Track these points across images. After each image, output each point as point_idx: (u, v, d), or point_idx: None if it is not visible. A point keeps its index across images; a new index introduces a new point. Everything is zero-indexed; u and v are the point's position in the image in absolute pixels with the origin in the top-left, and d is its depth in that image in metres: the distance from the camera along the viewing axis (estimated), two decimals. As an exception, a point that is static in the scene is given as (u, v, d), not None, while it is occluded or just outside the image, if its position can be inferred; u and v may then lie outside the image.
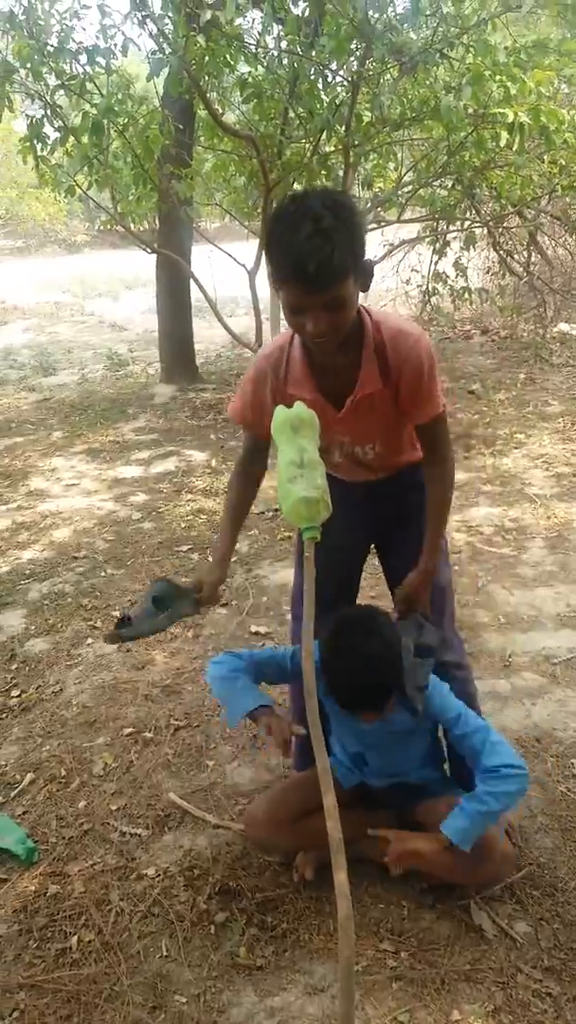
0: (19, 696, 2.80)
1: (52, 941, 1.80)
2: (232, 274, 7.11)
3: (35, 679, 2.90)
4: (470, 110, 4.80)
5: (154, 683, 2.80)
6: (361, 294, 1.56)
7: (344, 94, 5.27)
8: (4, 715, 2.70)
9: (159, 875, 1.97)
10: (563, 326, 8.13)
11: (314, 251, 1.39)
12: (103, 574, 3.70)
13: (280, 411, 1.47)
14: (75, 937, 1.80)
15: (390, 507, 1.94)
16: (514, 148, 4.84)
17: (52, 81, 5.08)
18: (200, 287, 6.37)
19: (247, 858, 1.97)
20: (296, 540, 1.99)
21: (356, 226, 1.48)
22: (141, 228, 7.51)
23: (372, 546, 2.12)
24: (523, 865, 1.90)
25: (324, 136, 5.44)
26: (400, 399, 1.67)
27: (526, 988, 1.62)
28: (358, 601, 2.19)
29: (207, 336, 9.20)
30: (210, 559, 1.88)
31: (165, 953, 1.75)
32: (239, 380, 2.06)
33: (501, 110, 4.57)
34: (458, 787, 1.93)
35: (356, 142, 5.36)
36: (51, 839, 2.13)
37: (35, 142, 5.32)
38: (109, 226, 6.64)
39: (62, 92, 5.24)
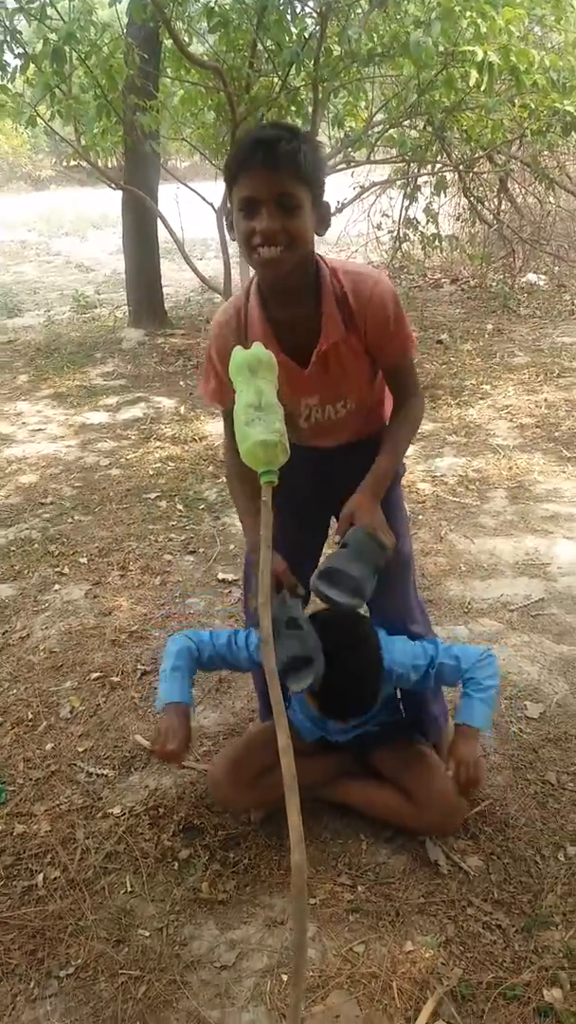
0: (-16, 642, 2.80)
1: (18, 879, 1.84)
2: (201, 214, 6.92)
3: (1, 624, 2.90)
4: (440, 48, 4.66)
5: (121, 628, 2.82)
6: (323, 241, 1.53)
7: (313, 26, 5.09)
8: (-31, 661, 2.71)
9: (124, 814, 2.02)
10: (531, 276, 8.10)
11: (276, 134, 1.41)
12: (70, 520, 3.68)
13: (237, 352, 1.43)
14: (41, 875, 1.84)
15: (351, 472, 1.81)
16: (483, 88, 4.73)
17: (11, 4, 4.82)
18: (167, 227, 6.21)
19: (211, 797, 2.01)
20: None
21: (320, 153, 1.46)
22: (107, 165, 7.26)
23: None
24: (477, 802, 1.98)
25: (293, 70, 5.26)
26: (368, 343, 1.64)
27: (476, 920, 1.70)
28: None
29: (176, 279, 9.02)
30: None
31: (129, 889, 1.81)
32: (208, 326, 1.96)
33: (471, 48, 4.45)
34: (414, 730, 1.99)
35: (325, 77, 5.20)
36: (18, 780, 2.16)
37: (-7, 70, 5.08)
38: (74, 160, 6.38)
39: (21, 16, 4.99)
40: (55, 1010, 1.56)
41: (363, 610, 1.89)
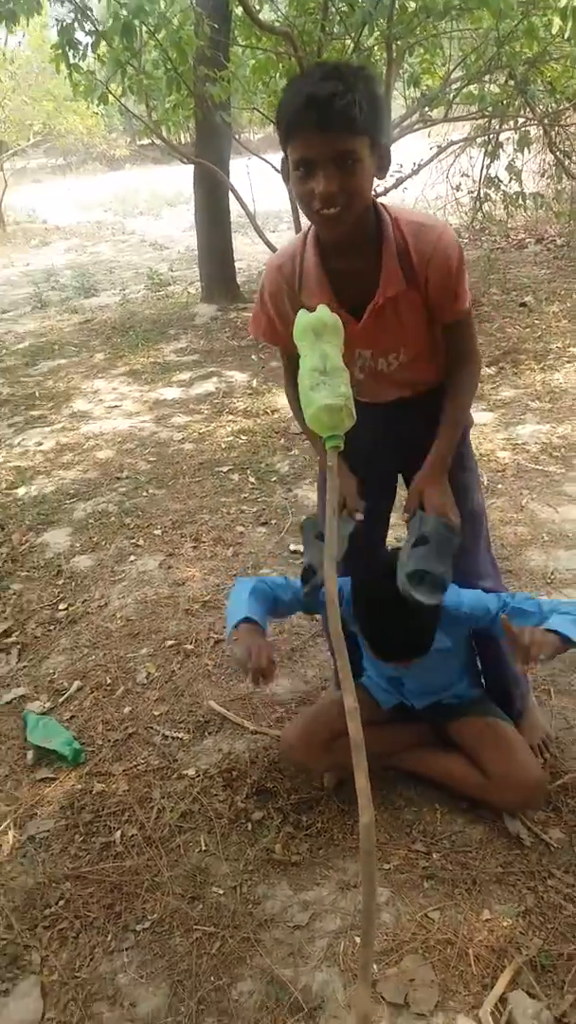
0: (66, 610, 2.88)
1: (97, 836, 1.89)
2: (273, 187, 6.85)
3: (81, 594, 2.97)
4: (521, -5, 4.45)
5: (194, 598, 2.85)
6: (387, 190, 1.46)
7: (388, -18, 4.92)
8: (52, 627, 2.79)
9: (199, 776, 2.04)
10: (622, 232, 7.70)
11: (329, 88, 1.31)
12: (145, 494, 3.73)
13: (302, 315, 1.39)
14: (118, 832, 1.89)
15: (417, 430, 1.78)
16: (567, 36, 4.49)
17: (81, -20, 4.85)
18: (239, 199, 6.17)
19: (284, 760, 2.01)
20: (320, 463, 1.90)
21: (376, 89, 1.38)
22: (180, 141, 7.27)
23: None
24: (560, 774, 1.91)
25: (365, 30, 5.12)
26: (429, 298, 1.57)
27: (557, 891, 1.65)
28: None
29: (248, 253, 9.00)
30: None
31: (204, 848, 1.83)
32: None
33: (554, -8, 4.23)
34: (494, 704, 1.93)
35: (399, 35, 5.04)
36: (97, 742, 2.21)
37: (66, 48, 5.13)
38: (147, 138, 6.41)
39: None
40: (131, 962, 1.60)
41: None
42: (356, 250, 1.52)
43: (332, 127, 1.33)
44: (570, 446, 3.68)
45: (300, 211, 1.52)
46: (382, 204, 1.53)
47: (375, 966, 1.52)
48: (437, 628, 1.69)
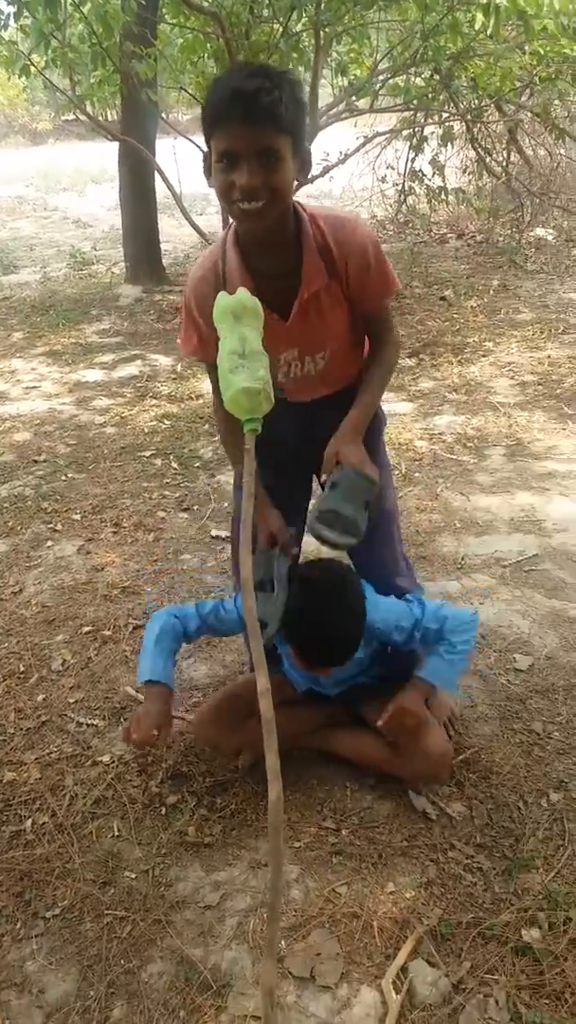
0: (-22, 596, 2.81)
1: (7, 824, 1.87)
2: (200, 168, 6.77)
3: (-6, 580, 2.91)
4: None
5: (113, 584, 2.82)
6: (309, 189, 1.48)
7: (316, -32, 4.92)
8: (-37, 614, 2.72)
9: (113, 762, 2.04)
10: (539, 231, 7.94)
11: (255, 84, 1.32)
12: (64, 478, 3.67)
13: (222, 297, 1.39)
14: (29, 820, 1.87)
15: (331, 426, 1.79)
16: (490, 33, 4.59)
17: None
18: (165, 179, 6.09)
19: (197, 739, 2.03)
20: (236, 472, 1.91)
21: (300, 94, 1.39)
22: (105, 118, 7.10)
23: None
24: (462, 750, 1.99)
25: (294, 16, 5.12)
26: (349, 289, 1.61)
27: (458, 863, 1.72)
28: None
29: (175, 235, 8.88)
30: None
31: (116, 833, 1.83)
32: None
33: (478, -11, 4.31)
34: (403, 682, 1.99)
35: (327, 22, 5.05)
36: (9, 730, 2.18)
37: (-15, 16, 4.94)
38: (71, 113, 6.23)
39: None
40: (41, 949, 1.59)
41: (348, 561, 1.89)
42: (277, 249, 1.54)
43: (257, 121, 1.34)
44: (482, 437, 3.80)
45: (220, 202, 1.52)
46: (298, 203, 1.55)
47: (283, 942, 1.56)
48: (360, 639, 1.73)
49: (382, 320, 1.73)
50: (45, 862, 1.76)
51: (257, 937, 1.58)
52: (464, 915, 1.60)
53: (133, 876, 1.73)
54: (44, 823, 1.86)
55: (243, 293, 1.40)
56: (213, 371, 1.68)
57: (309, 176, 1.55)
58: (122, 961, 1.56)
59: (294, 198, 1.55)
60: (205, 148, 1.46)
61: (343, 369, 1.78)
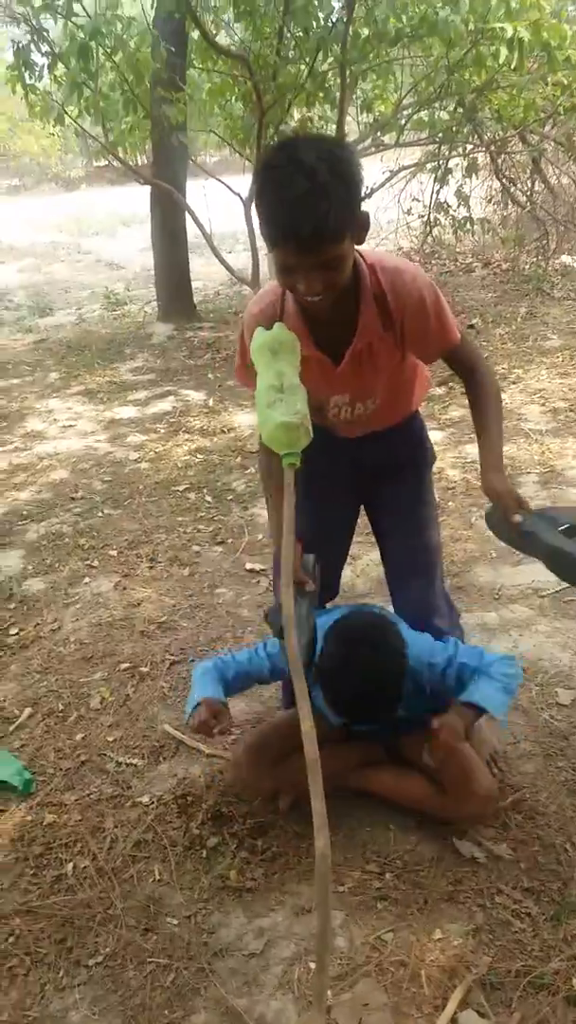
0: (17, 634, 2.84)
1: (48, 868, 1.86)
2: (229, 208, 6.91)
3: (33, 617, 2.93)
4: (469, 26, 4.58)
5: (150, 620, 2.83)
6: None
7: (340, 10, 5.04)
8: (2, 653, 2.74)
9: (153, 803, 2.02)
10: (565, 258, 7.93)
11: (308, 211, 1.30)
12: (100, 514, 3.71)
13: (259, 333, 1.41)
14: (70, 864, 1.86)
15: (379, 459, 1.84)
16: (513, 66, 4.63)
17: (37, 1, 4.85)
18: (195, 220, 6.21)
19: (232, 780, 2.01)
20: (273, 520, 1.91)
21: (353, 178, 1.36)
22: (136, 163, 7.29)
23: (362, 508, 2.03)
24: (509, 791, 1.94)
25: (320, 55, 5.22)
26: (407, 340, 1.60)
27: (505, 908, 1.67)
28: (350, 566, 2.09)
29: (205, 273, 9.02)
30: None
31: (158, 877, 1.81)
32: (238, 319, 1.97)
33: (501, 24, 4.36)
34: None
35: (353, 60, 5.15)
36: (48, 771, 2.18)
37: (22, 69, 5.13)
38: (103, 159, 6.41)
39: (47, 14, 5.02)
40: (84, 998, 1.57)
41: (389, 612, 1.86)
42: (336, 302, 1.54)
43: (312, 251, 1.35)
44: (515, 465, 3.77)
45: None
46: (359, 252, 1.55)
47: (329, 992, 1.52)
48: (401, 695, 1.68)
49: (463, 357, 1.70)
50: (87, 908, 1.75)
51: (303, 987, 1.55)
52: (513, 963, 1.55)
53: (175, 922, 1.70)
54: (85, 867, 1.85)
55: (279, 328, 1.42)
56: None
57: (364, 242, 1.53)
58: (166, 1011, 1.53)
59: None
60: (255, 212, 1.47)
61: (394, 409, 1.80)
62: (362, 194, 1.42)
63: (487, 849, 1.80)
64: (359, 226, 1.42)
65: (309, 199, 1.30)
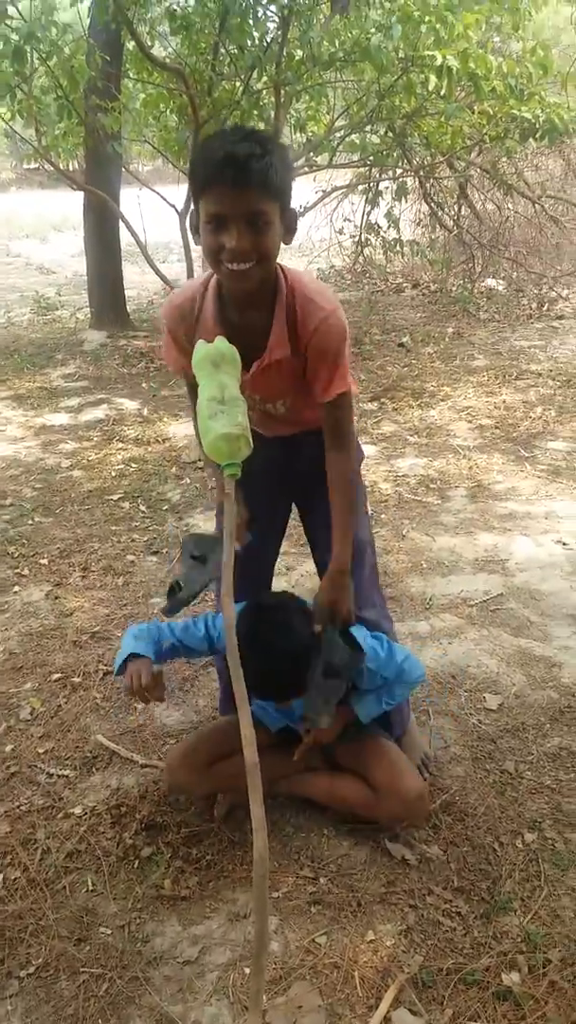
0: (-58, 645, 2.76)
1: (-23, 880, 1.82)
2: (163, 218, 6.90)
3: (-41, 628, 2.86)
4: (400, 53, 4.74)
5: (82, 629, 2.80)
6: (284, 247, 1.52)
7: (275, 30, 5.13)
8: None
9: (86, 813, 2.00)
10: (490, 281, 8.23)
11: (247, 149, 1.36)
12: (31, 522, 3.64)
13: (201, 346, 1.43)
14: (0, 876, 1.82)
15: (310, 461, 1.85)
16: (442, 93, 4.82)
17: (-31, 3, 4.77)
18: (129, 228, 6.19)
19: (166, 783, 2.01)
20: (217, 489, 1.95)
21: (289, 163, 1.43)
22: (69, 168, 7.21)
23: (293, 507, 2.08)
24: (439, 793, 2.00)
25: (255, 74, 5.30)
26: (307, 370, 1.63)
27: (436, 908, 1.72)
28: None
29: (139, 282, 8.97)
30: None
31: (91, 888, 1.79)
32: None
33: (430, 52, 4.53)
34: (377, 725, 2.00)
35: (287, 81, 5.24)
36: (-24, 784, 2.13)
37: (-48, 69, 5.02)
38: (35, 162, 6.32)
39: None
40: (15, 1010, 1.54)
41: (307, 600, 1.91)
42: (253, 307, 1.57)
43: (247, 186, 1.38)
44: (445, 479, 3.89)
45: (205, 260, 1.55)
46: (282, 267, 1.58)
47: (264, 995, 1.54)
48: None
49: (335, 416, 1.70)
50: (18, 919, 1.71)
51: (238, 991, 1.56)
52: (444, 961, 1.60)
53: (109, 932, 1.69)
54: (16, 878, 1.81)
55: (221, 341, 1.44)
56: (188, 386, 1.76)
57: (291, 243, 1.58)
58: (100, 1021, 1.51)
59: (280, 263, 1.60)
60: (192, 207, 1.50)
61: (310, 413, 1.80)
62: (292, 184, 1.48)
63: (419, 851, 1.85)
64: (289, 215, 1.48)
65: (248, 142, 1.38)
